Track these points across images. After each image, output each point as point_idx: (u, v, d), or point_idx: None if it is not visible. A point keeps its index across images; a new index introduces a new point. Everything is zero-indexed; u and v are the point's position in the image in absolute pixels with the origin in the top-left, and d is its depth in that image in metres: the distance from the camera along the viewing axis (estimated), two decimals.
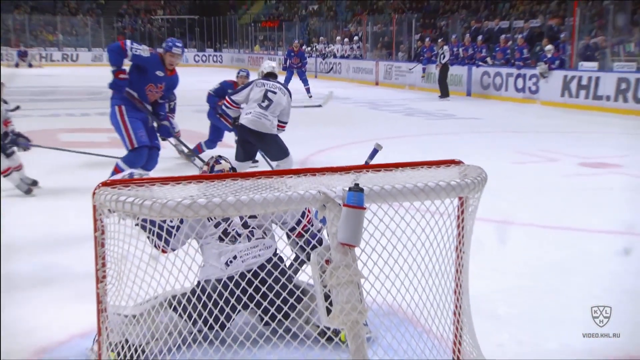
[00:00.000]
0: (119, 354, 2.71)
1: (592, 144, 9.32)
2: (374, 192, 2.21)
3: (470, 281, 2.70)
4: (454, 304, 2.62)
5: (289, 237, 3.25)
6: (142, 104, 5.68)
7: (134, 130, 5.61)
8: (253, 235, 3.18)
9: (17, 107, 6.77)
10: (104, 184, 2.32)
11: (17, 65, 27.43)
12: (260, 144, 5.98)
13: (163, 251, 2.87)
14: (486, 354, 2.73)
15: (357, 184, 2.13)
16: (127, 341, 2.75)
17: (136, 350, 2.72)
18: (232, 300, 2.70)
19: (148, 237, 2.71)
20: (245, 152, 6.03)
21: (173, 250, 2.95)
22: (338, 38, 24.66)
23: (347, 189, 2.13)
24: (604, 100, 12.72)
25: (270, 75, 6.21)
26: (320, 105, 8.23)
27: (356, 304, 2.14)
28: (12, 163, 6.16)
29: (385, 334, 2.55)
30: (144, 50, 5.53)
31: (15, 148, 6.23)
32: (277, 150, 5.94)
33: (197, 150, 7.63)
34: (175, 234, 3.00)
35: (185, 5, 35.82)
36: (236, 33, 31.96)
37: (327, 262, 2.15)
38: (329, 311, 2.15)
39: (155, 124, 5.92)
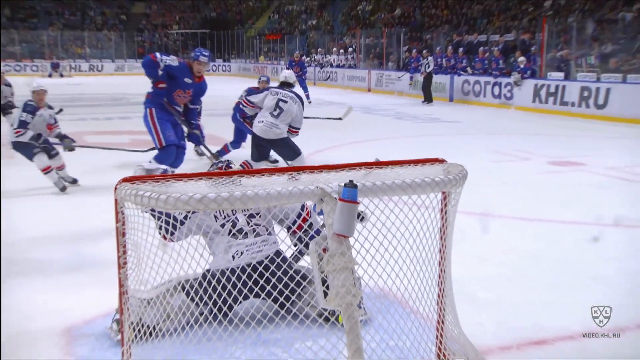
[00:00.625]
0: (135, 332, 2.71)
1: (560, 145, 9.32)
2: (366, 187, 2.20)
3: (453, 268, 2.70)
4: (438, 288, 2.61)
5: (289, 229, 3.23)
6: (174, 109, 5.67)
7: (163, 131, 5.62)
8: (257, 232, 3.17)
9: (61, 110, 6.80)
10: (125, 179, 2.31)
11: (50, 76, 27.44)
12: (273, 147, 5.97)
13: (165, 238, 2.85)
14: (466, 332, 2.72)
15: (351, 181, 2.12)
16: (141, 321, 2.76)
17: (153, 329, 2.72)
18: (239, 285, 2.68)
19: (156, 224, 2.71)
20: (259, 153, 6.03)
21: (177, 240, 2.95)
22: (334, 49, 24.65)
23: (342, 185, 2.12)
24: (569, 106, 12.77)
25: (285, 84, 6.15)
26: (340, 119, 8.21)
27: (350, 288, 2.13)
28: (55, 163, 6.19)
29: (376, 314, 2.54)
30: (172, 60, 5.52)
31: (56, 149, 6.25)
32: (289, 151, 5.92)
33: (224, 151, 7.62)
34: (179, 228, 2.99)
35: (198, 21, 35.73)
36: (243, 45, 31.94)
37: (324, 250, 2.14)
38: (326, 294, 2.14)
39: (185, 129, 5.90)
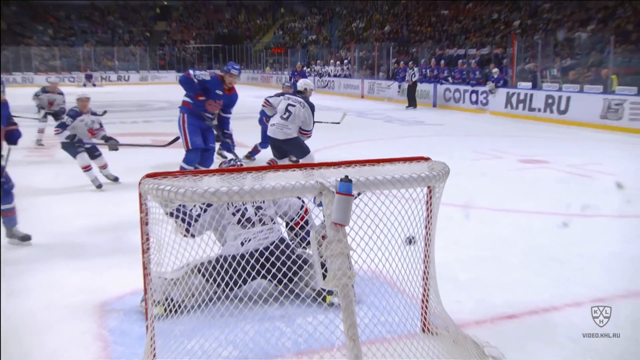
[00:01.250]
0: (165, 308, 2.72)
1: (528, 145, 9.30)
2: (360, 182, 2.19)
3: (436, 252, 2.69)
4: (423, 270, 2.60)
5: (287, 225, 3.21)
6: (206, 116, 5.57)
7: (191, 136, 5.59)
8: (263, 222, 3.16)
9: (105, 112, 6.76)
10: (148, 175, 2.30)
11: (84, 86, 27.44)
12: (285, 146, 5.87)
13: (184, 235, 2.92)
14: (447, 309, 2.72)
15: (346, 176, 2.11)
16: (171, 299, 2.79)
17: (179, 305, 2.74)
18: (247, 268, 2.69)
19: (176, 222, 2.72)
20: (277, 152, 5.94)
21: (192, 236, 2.98)
22: (332, 61, 24.56)
23: (339, 179, 2.11)
24: (536, 112, 12.79)
25: (298, 92, 6.02)
26: (338, 123, 8.11)
27: (346, 270, 2.12)
28: (98, 162, 6.17)
29: (369, 293, 2.53)
30: (205, 75, 5.46)
31: (100, 150, 6.19)
32: (299, 150, 5.80)
33: (254, 151, 7.50)
34: (193, 224, 2.99)
35: (212, 36, 35.63)
36: (251, 57, 31.87)
37: (323, 237, 2.14)
38: (324, 276, 2.13)
39: (214, 131, 5.78)
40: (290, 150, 5.95)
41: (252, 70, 30.91)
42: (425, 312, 2.66)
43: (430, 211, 2.56)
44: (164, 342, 2.42)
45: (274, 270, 2.60)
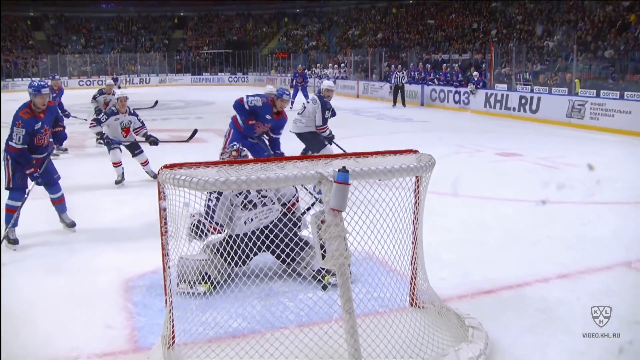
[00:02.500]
0: (209, 285, 2.78)
1: (504, 140, 9.25)
2: (355, 172, 2.16)
3: (423, 235, 2.67)
4: (412, 251, 2.58)
5: (284, 206, 3.22)
6: (254, 137, 5.16)
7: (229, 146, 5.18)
8: (264, 203, 3.15)
9: (156, 102, 6.43)
10: (165, 166, 2.27)
11: None
12: (302, 140, 5.67)
13: (216, 230, 2.96)
14: (433, 286, 2.71)
15: (344, 167, 2.08)
16: (208, 276, 2.82)
17: (217, 282, 2.75)
18: (250, 245, 2.68)
19: (202, 231, 2.79)
20: (304, 144, 5.73)
21: (221, 226, 2.99)
22: (330, 64, 24.41)
23: (337, 170, 2.08)
24: (511, 111, 12.73)
25: (321, 92, 5.79)
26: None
27: (343, 251, 2.10)
28: (140, 159, 5.93)
29: (363, 272, 2.51)
30: (257, 101, 5.01)
31: (141, 147, 5.93)
32: (316, 143, 5.58)
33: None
34: (212, 215, 2.97)
35: (223, 43, 35.39)
36: (258, 61, 31.69)
37: (322, 222, 2.11)
38: (323, 256, 2.11)
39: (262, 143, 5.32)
40: (306, 143, 5.70)
41: (259, 72, 30.75)
42: (414, 289, 2.65)
43: (418, 198, 2.54)
44: (181, 314, 2.41)
45: (273, 247, 2.58)
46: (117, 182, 5.79)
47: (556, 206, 4.89)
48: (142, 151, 5.95)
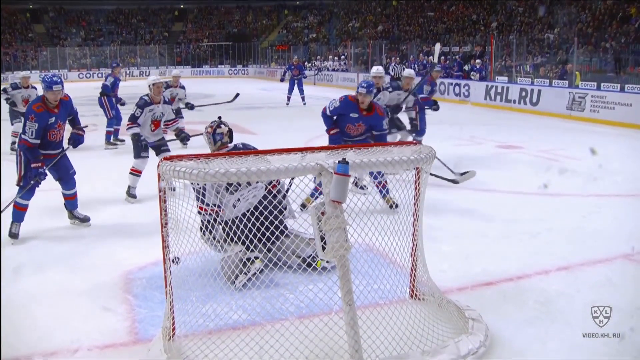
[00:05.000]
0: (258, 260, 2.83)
1: (505, 132, 9.23)
2: (356, 164, 2.14)
3: (423, 227, 2.66)
4: (412, 243, 2.57)
5: (269, 184, 3.20)
6: (345, 141, 4.57)
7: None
8: (250, 184, 3.12)
9: (237, 95, 5.74)
10: (165, 159, 2.25)
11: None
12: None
13: (214, 211, 2.96)
14: (433, 278, 2.70)
15: (344, 158, 2.06)
16: (249, 259, 2.85)
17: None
18: (241, 226, 2.66)
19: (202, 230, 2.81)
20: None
21: (218, 207, 2.98)
22: (330, 57, 24.28)
23: (337, 161, 2.06)
24: (511, 103, 12.69)
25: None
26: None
27: (343, 243, 2.09)
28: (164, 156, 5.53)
29: (363, 264, 2.50)
30: (335, 102, 4.52)
31: (168, 145, 5.20)
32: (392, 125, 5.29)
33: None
34: (202, 199, 2.97)
35: (223, 35, 35.17)
36: (258, 54, 31.54)
37: (323, 213, 2.10)
38: (324, 248, 2.10)
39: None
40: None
41: (259, 65, 30.63)
42: (413, 280, 2.65)
43: (419, 190, 2.52)
44: (181, 306, 2.40)
45: (263, 229, 2.52)
46: (130, 196, 4.88)
47: (556, 198, 4.88)
48: (168, 149, 5.10)
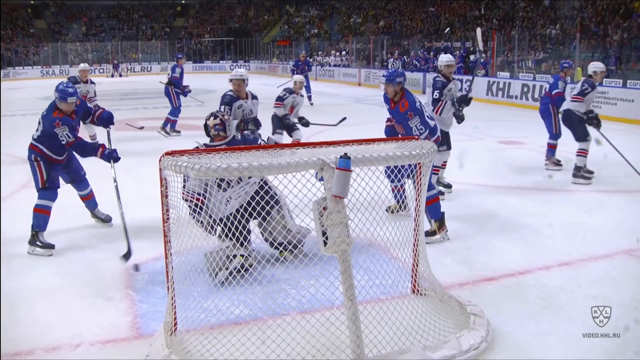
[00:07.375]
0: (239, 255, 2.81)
1: (506, 128, 9.20)
2: (358, 159, 2.13)
3: (425, 223, 2.64)
4: (414, 238, 2.56)
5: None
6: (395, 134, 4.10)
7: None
8: (240, 179, 3.09)
9: (344, 118, 5.45)
10: (167, 153, 2.25)
11: (112, 76, 27.15)
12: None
13: (199, 200, 2.91)
14: (434, 273, 2.69)
15: (345, 153, 2.05)
16: (234, 255, 2.81)
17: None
18: (235, 222, 2.64)
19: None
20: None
21: (203, 196, 2.93)
22: (332, 52, 24.19)
23: (339, 156, 2.05)
24: (513, 99, 12.66)
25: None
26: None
27: (345, 238, 2.08)
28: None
29: (365, 259, 2.49)
30: (385, 96, 3.99)
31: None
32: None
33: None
34: (185, 185, 2.92)
35: (224, 31, 35.07)
36: (259, 49, 31.45)
37: (324, 209, 2.08)
38: (325, 243, 2.09)
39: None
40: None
41: (261, 60, 30.54)
42: (415, 276, 2.64)
43: (420, 185, 2.51)
44: (183, 301, 2.40)
45: (260, 219, 2.52)
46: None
47: (558, 194, 4.87)
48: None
